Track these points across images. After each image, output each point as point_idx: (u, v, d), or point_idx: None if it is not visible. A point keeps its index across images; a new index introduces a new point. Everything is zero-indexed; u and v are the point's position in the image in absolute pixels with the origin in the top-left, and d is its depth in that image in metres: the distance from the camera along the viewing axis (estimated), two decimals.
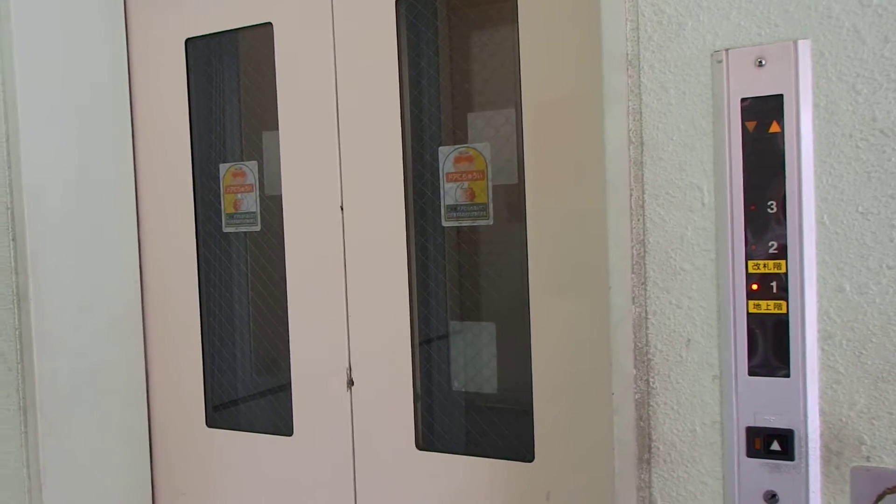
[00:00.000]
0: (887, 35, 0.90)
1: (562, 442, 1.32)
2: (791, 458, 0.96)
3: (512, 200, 1.39)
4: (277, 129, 1.57)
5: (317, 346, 1.55)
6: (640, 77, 1.02)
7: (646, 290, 1.03)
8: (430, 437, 1.49)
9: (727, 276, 0.98)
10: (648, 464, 1.05)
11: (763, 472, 0.97)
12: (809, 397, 0.95)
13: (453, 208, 1.44)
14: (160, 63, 1.69)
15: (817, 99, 0.93)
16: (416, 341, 1.48)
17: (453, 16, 1.49)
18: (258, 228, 1.67)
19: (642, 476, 1.05)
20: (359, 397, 1.52)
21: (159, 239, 1.72)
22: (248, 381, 1.76)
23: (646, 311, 1.04)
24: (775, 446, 0.97)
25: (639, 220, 1.03)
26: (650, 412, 1.04)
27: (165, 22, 1.68)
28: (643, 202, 1.03)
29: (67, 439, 1.56)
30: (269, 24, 1.57)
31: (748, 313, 0.97)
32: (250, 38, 1.67)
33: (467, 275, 1.49)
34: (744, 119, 0.96)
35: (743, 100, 0.96)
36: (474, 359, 1.50)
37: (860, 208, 0.92)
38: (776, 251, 0.95)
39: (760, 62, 0.95)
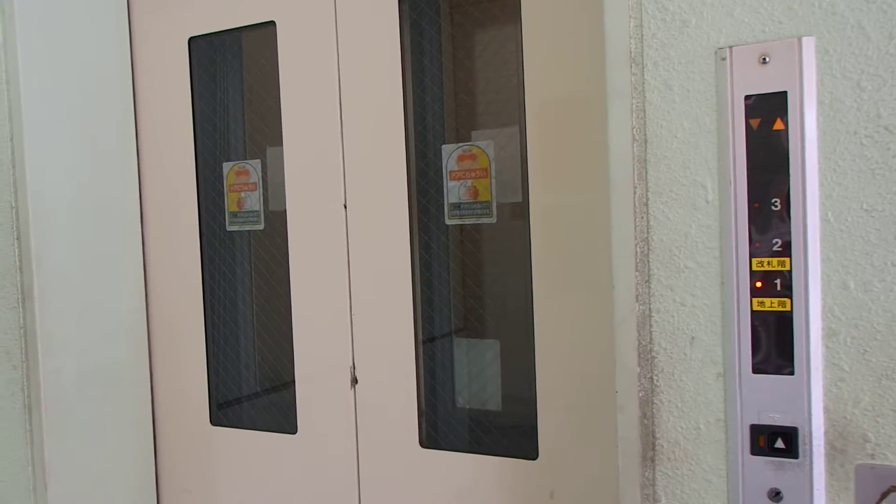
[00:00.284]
0: (892, 31, 0.89)
1: (566, 440, 1.32)
2: (795, 456, 0.96)
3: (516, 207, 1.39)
4: (279, 125, 1.57)
5: (320, 344, 1.55)
6: (643, 75, 1.02)
7: (649, 287, 1.03)
8: (433, 435, 1.49)
9: (731, 274, 0.98)
10: (652, 462, 1.05)
11: (767, 470, 0.97)
12: (814, 395, 0.94)
13: (456, 206, 1.44)
14: (163, 62, 1.70)
15: (821, 96, 0.93)
16: (420, 339, 1.48)
17: (456, 14, 1.49)
18: (262, 227, 1.68)
19: (646, 474, 1.05)
20: (362, 395, 1.52)
21: (163, 237, 1.72)
22: (251, 380, 1.76)
23: (649, 308, 1.04)
24: (779, 444, 0.96)
25: (642, 217, 1.03)
26: (654, 410, 1.04)
27: (169, 21, 1.68)
28: (647, 200, 1.03)
29: (72, 438, 1.57)
30: (272, 22, 1.57)
31: (752, 311, 0.97)
32: (253, 37, 1.68)
33: (471, 272, 1.49)
34: (748, 116, 0.96)
35: (747, 97, 0.96)
36: (478, 361, 1.50)
37: (865, 205, 0.92)
38: (780, 248, 0.95)
39: (764, 59, 0.95)
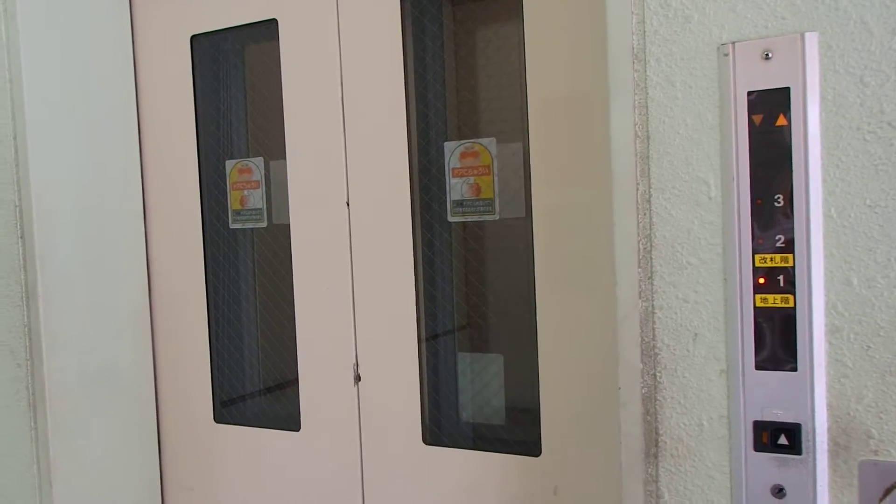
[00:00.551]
0: (895, 27, 0.89)
1: (569, 436, 1.32)
2: (798, 453, 0.95)
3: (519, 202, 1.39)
4: (281, 123, 1.57)
5: (324, 341, 1.56)
6: (646, 71, 1.02)
7: (652, 284, 1.03)
8: (436, 432, 1.49)
9: (734, 270, 0.98)
10: (655, 458, 1.05)
11: (770, 467, 0.97)
12: (817, 391, 0.94)
13: (459, 203, 1.44)
14: (166, 60, 1.70)
15: (825, 92, 0.93)
16: (423, 336, 1.48)
17: (458, 11, 1.49)
18: (265, 225, 1.68)
19: (649, 470, 1.05)
20: (366, 392, 1.52)
21: (166, 235, 1.73)
22: (255, 378, 1.76)
23: (652, 305, 1.03)
24: (783, 440, 0.96)
25: (645, 214, 1.03)
26: (657, 406, 1.04)
27: (171, 19, 1.68)
28: (649, 196, 1.03)
29: (76, 436, 1.57)
30: (275, 20, 1.57)
31: (755, 307, 0.97)
32: (256, 35, 1.68)
33: (473, 269, 1.49)
34: (750, 112, 0.96)
35: (749, 93, 0.96)
36: (480, 361, 1.50)
37: (868, 201, 0.91)
38: (783, 245, 0.95)
39: (767, 55, 0.95)
